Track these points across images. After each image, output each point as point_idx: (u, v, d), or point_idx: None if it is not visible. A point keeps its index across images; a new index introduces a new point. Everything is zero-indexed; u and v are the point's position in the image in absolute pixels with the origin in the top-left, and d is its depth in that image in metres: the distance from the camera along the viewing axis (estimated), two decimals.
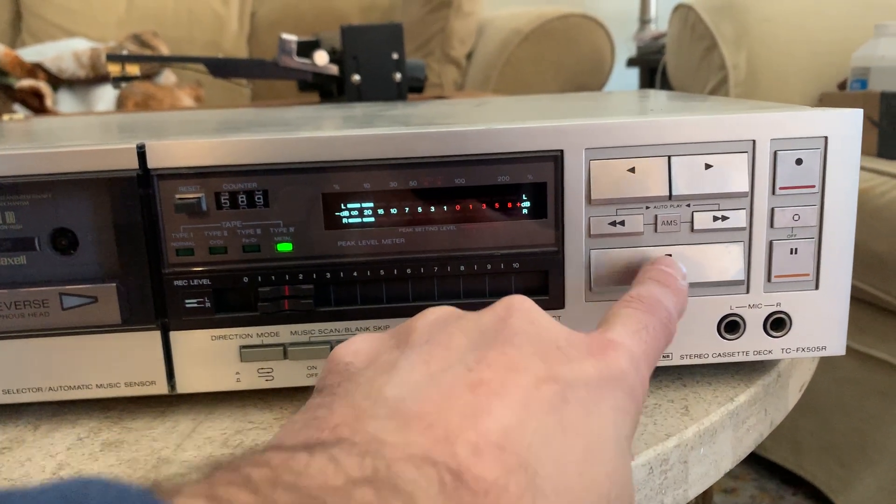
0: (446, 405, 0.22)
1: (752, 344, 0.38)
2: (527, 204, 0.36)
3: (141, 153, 0.35)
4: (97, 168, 0.35)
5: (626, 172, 0.35)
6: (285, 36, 0.82)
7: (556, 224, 0.36)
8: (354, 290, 0.37)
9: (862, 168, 1.04)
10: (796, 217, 0.36)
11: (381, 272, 0.36)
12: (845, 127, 0.35)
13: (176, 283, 0.36)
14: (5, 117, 0.81)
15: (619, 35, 1.81)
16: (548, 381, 0.23)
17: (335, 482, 0.18)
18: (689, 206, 0.36)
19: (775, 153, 0.36)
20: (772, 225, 0.36)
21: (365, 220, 0.36)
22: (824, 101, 1.27)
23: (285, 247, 0.36)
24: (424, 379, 0.23)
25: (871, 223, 0.99)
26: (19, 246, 0.35)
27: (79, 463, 0.35)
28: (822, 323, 0.38)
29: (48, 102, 1.39)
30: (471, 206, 0.36)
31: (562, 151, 0.35)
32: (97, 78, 1.51)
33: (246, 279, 0.36)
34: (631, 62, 2.13)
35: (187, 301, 0.36)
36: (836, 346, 0.38)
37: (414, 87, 0.89)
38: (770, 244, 0.37)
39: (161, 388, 0.38)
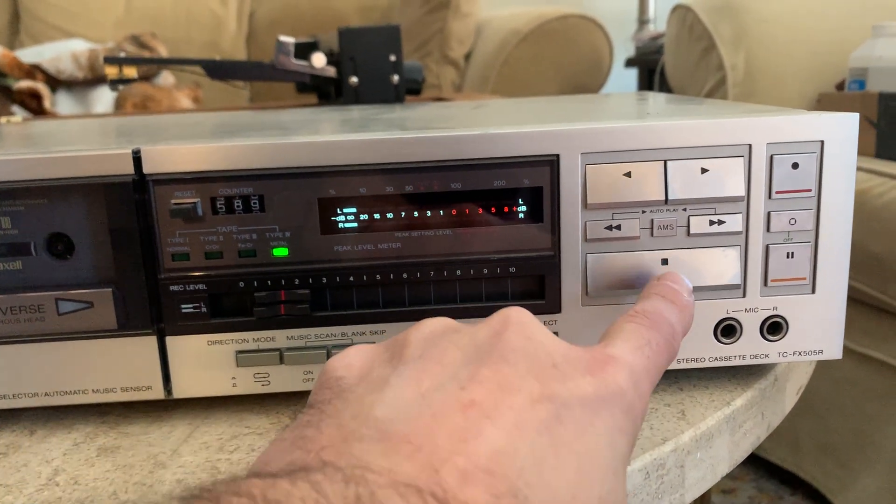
0: (436, 427, 0.21)
1: (749, 348, 0.38)
2: (523, 208, 0.36)
3: (136, 158, 0.35)
4: (93, 173, 0.35)
5: (622, 177, 0.35)
6: (283, 38, 0.82)
7: (552, 228, 0.36)
8: (351, 294, 0.37)
9: (860, 169, 1.04)
10: (792, 221, 0.36)
11: (378, 277, 0.36)
12: (842, 131, 0.35)
13: (172, 288, 0.36)
14: (3, 120, 0.81)
15: (618, 35, 1.81)
16: (542, 401, 0.23)
17: None
18: (685, 210, 0.36)
19: (771, 157, 0.36)
20: (768, 229, 0.36)
21: (361, 224, 0.36)
22: (822, 101, 1.27)
23: (281, 251, 0.36)
24: (415, 398, 0.23)
25: (868, 224, 0.99)
26: (15, 251, 0.35)
27: (75, 468, 0.35)
28: (819, 327, 0.38)
29: (46, 104, 1.39)
30: (467, 210, 0.36)
31: (558, 156, 0.35)
32: (95, 79, 1.51)
33: (242, 284, 0.36)
34: (629, 62, 2.13)
35: (183, 306, 0.36)
36: (833, 349, 0.38)
37: (412, 88, 0.89)
38: (766, 248, 0.37)
39: (157, 393, 0.38)
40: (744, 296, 0.37)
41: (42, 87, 1.40)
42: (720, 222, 0.36)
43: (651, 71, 1.94)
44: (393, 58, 0.82)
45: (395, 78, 0.83)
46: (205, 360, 0.37)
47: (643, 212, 0.36)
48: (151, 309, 0.36)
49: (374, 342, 0.34)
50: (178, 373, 0.37)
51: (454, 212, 0.36)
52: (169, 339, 0.37)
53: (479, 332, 0.26)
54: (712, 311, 0.37)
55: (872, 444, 1.07)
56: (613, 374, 0.25)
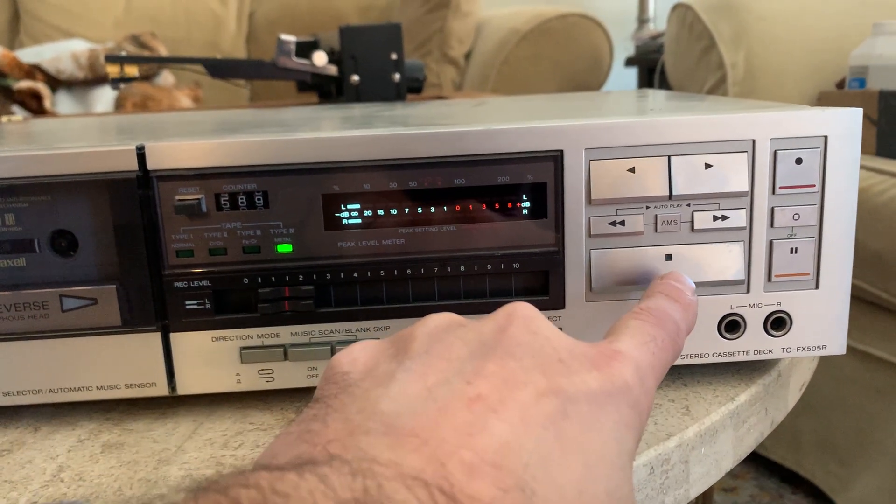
0: (442, 421, 0.21)
1: (753, 343, 0.38)
2: (527, 204, 0.36)
3: (140, 154, 0.35)
4: (97, 170, 0.35)
5: (625, 172, 0.35)
6: (284, 36, 0.82)
7: (556, 224, 0.36)
8: (354, 290, 0.37)
9: (860, 167, 1.04)
10: (796, 216, 0.36)
11: (382, 273, 0.36)
12: (845, 126, 0.35)
13: (176, 284, 0.36)
14: (4, 119, 0.81)
15: (618, 34, 1.81)
16: (548, 395, 0.23)
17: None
18: (689, 205, 0.36)
19: (775, 152, 0.36)
20: (772, 224, 0.36)
21: (365, 220, 0.36)
22: (823, 99, 1.27)
23: (285, 248, 0.36)
24: (421, 393, 0.23)
25: (869, 222, 0.99)
26: (19, 248, 0.35)
27: (79, 465, 0.35)
28: (823, 322, 0.38)
29: (47, 104, 1.39)
30: (471, 206, 0.36)
31: (561, 151, 0.35)
32: (95, 79, 1.51)
33: (246, 280, 0.36)
34: (629, 61, 2.13)
35: (187, 302, 0.36)
36: (837, 345, 0.38)
37: (412, 87, 0.89)
38: (770, 243, 0.37)
39: (161, 389, 0.38)
40: (747, 291, 0.37)
41: (42, 87, 1.40)
42: (724, 218, 0.36)
43: (651, 70, 1.94)
44: (394, 56, 0.82)
45: (397, 76, 0.83)
46: (209, 357, 0.37)
47: (647, 207, 0.36)
48: (155, 305, 0.36)
49: (379, 338, 0.34)
50: (182, 369, 0.37)
51: (458, 208, 0.36)
52: (173, 336, 0.37)
53: (484, 327, 0.26)
54: (716, 307, 0.37)
55: (873, 443, 1.07)
56: (619, 370, 0.25)
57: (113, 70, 0.82)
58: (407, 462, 0.20)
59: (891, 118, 1.11)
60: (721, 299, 0.37)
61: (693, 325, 0.31)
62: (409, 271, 0.36)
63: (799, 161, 0.36)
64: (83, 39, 1.72)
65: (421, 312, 0.35)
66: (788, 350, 0.38)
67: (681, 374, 0.41)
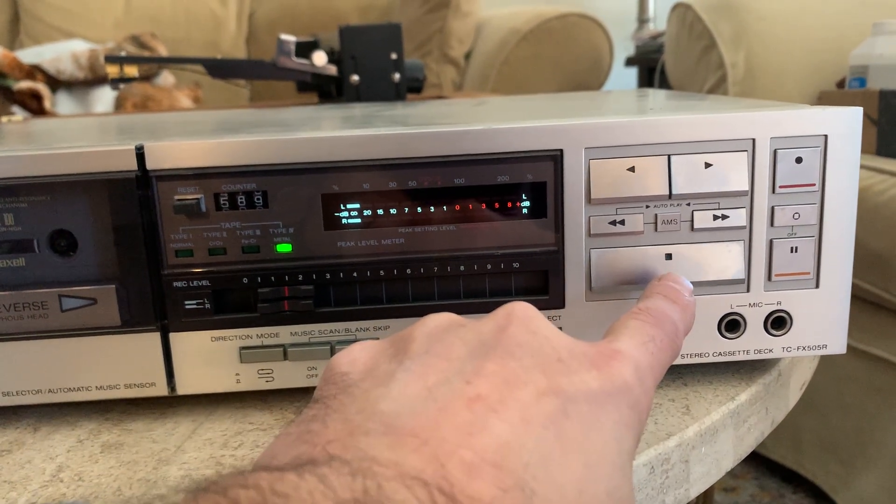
0: (442, 421, 0.21)
1: (753, 343, 0.38)
2: (526, 204, 0.36)
3: (140, 154, 0.35)
4: (96, 169, 0.35)
5: (625, 171, 0.35)
6: (284, 36, 0.82)
7: (555, 224, 0.36)
8: (354, 290, 0.37)
9: (860, 166, 1.04)
10: (796, 216, 0.36)
11: (381, 272, 0.36)
12: (845, 125, 0.35)
13: (175, 284, 0.36)
14: (4, 119, 0.81)
15: (618, 34, 1.81)
16: (548, 395, 0.23)
17: None
18: (689, 205, 0.36)
19: (775, 152, 0.36)
20: (772, 223, 0.36)
21: (364, 220, 0.36)
22: (823, 99, 1.27)
23: (285, 247, 0.36)
24: (421, 393, 0.23)
25: (869, 221, 0.99)
26: (18, 248, 0.35)
27: (79, 465, 0.35)
28: (823, 321, 0.38)
29: (47, 104, 1.39)
30: (470, 206, 0.36)
31: (561, 151, 0.35)
32: (95, 79, 1.51)
33: (245, 280, 0.36)
34: (629, 61, 2.13)
35: (187, 302, 0.36)
36: (837, 344, 0.38)
37: (413, 87, 0.89)
38: (770, 243, 0.37)
39: (161, 389, 0.37)
40: (748, 290, 0.37)
41: (42, 88, 1.40)
42: (724, 217, 0.36)
43: (651, 70, 1.94)
44: (394, 56, 0.82)
45: (397, 76, 0.83)
46: (208, 357, 0.37)
47: (647, 207, 0.36)
48: (155, 305, 0.36)
49: (378, 338, 0.34)
50: (181, 369, 0.37)
51: (457, 207, 0.36)
52: (172, 336, 0.37)
53: (483, 326, 0.26)
54: (716, 306, 0.37)
55: (874, 442, 1.07)
56: (619, 369, 0.25)
57: (113, 70, 0.82)
58: (407, 462, 0.20)
59: (891, 118, 1.11)
60: (721, 299, 0.37)
61: (691, 325, 0.32)
62: (408, 271, 0.36)
63: (799, 160, 0.36)
64: (83, 40, 1.72)
65: (420, 312, 0.35)
66: (789, 349, 0.38)
67: (681, 374, 0.41)
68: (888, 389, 1.05)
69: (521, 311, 0.27)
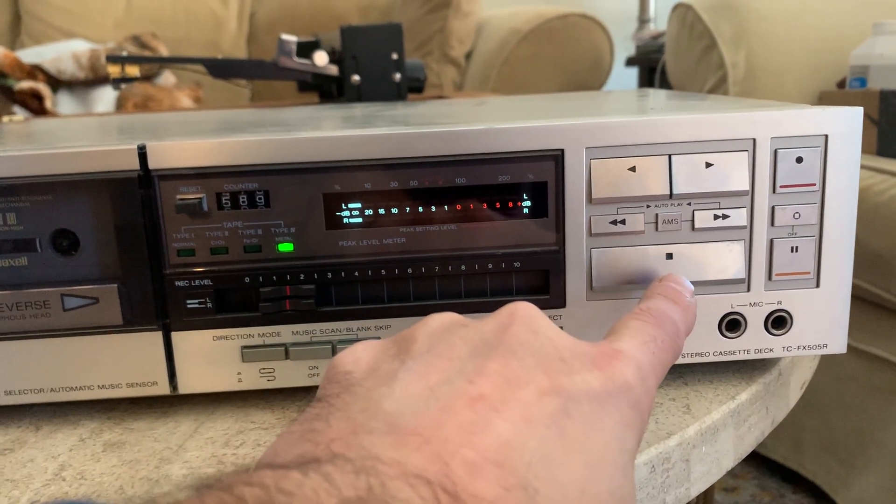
0: (445, 420, 0.21)
1: (754, 342, 0.38)
2: (527, 203, 0.36)
3: (142, 154, 0.35)
4: (98, 169, 0.35)
5: (626, 171, 0.35)
6: (285, 36, 0.82)
7: (556, 223, 0.36)
8: (356, 290, 0.37)
9: (861, 167, 1.04)
10: (797, 215, 0.36)
11: (383, 272, 0.36)
12: (845, 125, 0.35)
13: (177, 283, 0.36)
14: (5, 119, 0.81)
15: (618, 34, 1.81)
16: (550, 394, 0.23)
17: (328, 502, 0.18)
18: (689, 204, 0.36)
19: (776, 151, 0.36)
20: (772, 223, 0.36)
21: (366, 219, 0.36)
22: (823, 99, 1.27)
23: (286, 247, 0.36)
24: (423, 392, 0.23)
25: (870, 221, 0.99)
26: (20, 247, 0.35)
27: (81, 464, 0.35)
28: (823, 321, 0.38)
29: (48, 104, 1.39)
30: (471, 205, 0.36)
31: (562, 151, 0.35)
32: (96, 79, 1.51)
33: (247, 279, 0.36)
34: (630, 61, 2.13)
35: (189, 301, 0.36)
36: (838, 344, 0.38)
37: (413, 87, 0.89)
38: (771, 242, 0.37)
39: (163, 388, 0.38)
40: (748, 290, 0.37)
41: (43, 88, 1.40)
42: (724, 217, 0.36)
43: (651, 70, 1.94)
44: (395, 56, 0.82)
45: (398, 76, 0.83)
46: (210, 356, 0.37)
47: (648, 206, 0.36)
48: (157, 304, 0.36)
49: (380, 337, 0.34)
50: (183, 368, 0.37)
51: (459, 207, 0.36)
52: (174, 335, 0.37)
53: (485, 326, 0.26)
54: (717, 306, 0.37)
55: (874, 442, 1.07)
56: (621, 369, 0.25)
57: (114, 70, 0.82)
58: (410, 461, 0.20)
59: (891, 118, 1.11)
60: (721, 298, 0.37)
61: (692, 326, 0.32)
62: (410, 270, 0.36)
63: (799, 160, 0.36)
64: (84, 40, 1.72)
65: (422, 311, 0.36)
66: (789, 349, 0.38)
67: (681, 373, 0.41)
68: (888, 389, 1.05)
69: (523, 311, 0.27)
